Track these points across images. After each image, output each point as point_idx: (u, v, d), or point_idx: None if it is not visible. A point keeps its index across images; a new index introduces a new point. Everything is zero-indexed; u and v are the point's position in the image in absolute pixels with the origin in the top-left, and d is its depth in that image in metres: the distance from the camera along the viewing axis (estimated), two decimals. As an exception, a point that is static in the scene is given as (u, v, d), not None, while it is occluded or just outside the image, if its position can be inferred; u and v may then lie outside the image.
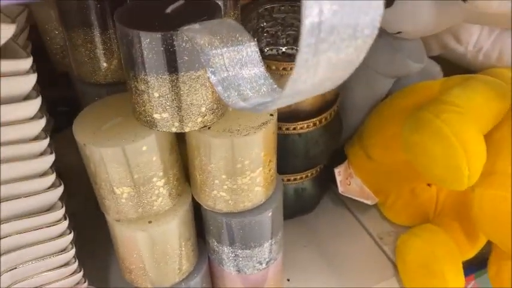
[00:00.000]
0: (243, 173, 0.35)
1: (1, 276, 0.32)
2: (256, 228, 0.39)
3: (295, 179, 0.54)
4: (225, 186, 0.36)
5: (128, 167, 0.33)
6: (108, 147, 0.32)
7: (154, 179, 0.34)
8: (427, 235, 0.50)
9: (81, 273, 0.37)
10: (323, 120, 0.49)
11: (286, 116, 0.47)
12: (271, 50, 0.55)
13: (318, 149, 0.51)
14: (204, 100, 0.31)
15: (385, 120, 0.53)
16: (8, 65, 0.27)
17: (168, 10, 0.30)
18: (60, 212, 0.33)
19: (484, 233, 0.48)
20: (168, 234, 0.37)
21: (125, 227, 0.36)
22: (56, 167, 0.33)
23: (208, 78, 0.24)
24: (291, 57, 0.55)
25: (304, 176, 0.54)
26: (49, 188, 0.32)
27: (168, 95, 0.30)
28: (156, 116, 0.31)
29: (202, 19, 0.27)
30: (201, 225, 0.42)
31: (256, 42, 0.25)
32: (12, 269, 0.33)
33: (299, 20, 0.53)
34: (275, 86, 0.24)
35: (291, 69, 0.42)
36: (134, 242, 0.37)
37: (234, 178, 0.35)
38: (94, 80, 0.41)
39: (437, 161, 0.41)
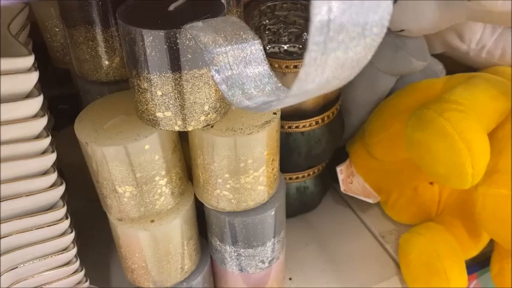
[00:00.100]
0: (246, 172, 0.35)
1: (2, 276, 0.32)
2: (259, 227, 0.39)
3: (297, 178, 0.54)
4: (228, 185, 0.36)
5: (131, 166, 0.32)
6: (110, 145, 0.31)
7: (157, 178, 0.34)
8: (430, 233, 0.50)
9: (83, 272, 0.37)
10: (325, 118, 0.49)
11: (289, 114, 0.47)
12: (273, 47, 0.55)
13: (320, 147, 0.51)
14: (207, 98, 0.31)
15: (387, 118, 0.53)
16: (9, 62, 0.27)
17: (171, 8, 0.30)
18: (62, 211, 0.33)
19: (486, 231, 0.48)
20: (171, 233, 0.37)
21: (127, 226, 0.36)
22: (57, 165, 0.33)
23: (212, 76, 0.24)
24: (293, 55, 0.54)
25: (306, 174, 0.54)
26: (50, 187, 0.32)
27: (171, 94, 0.30)
28: (158, 114, 0.31)
29: (205, 17, 0.27)
30: (203, 224, 0.41)
31: (260, 41, 0.24)
32: (14, 268, 0.33)
33: (301, 18, 0.53)
34: (279, 84, 0.24)
35: (293, 67, 0.42)
36: (136, 241, 0.37)
37: (237, 177, 0.35)
38: (95, 78, 0.41)
39: (440, 160, 0.41)
